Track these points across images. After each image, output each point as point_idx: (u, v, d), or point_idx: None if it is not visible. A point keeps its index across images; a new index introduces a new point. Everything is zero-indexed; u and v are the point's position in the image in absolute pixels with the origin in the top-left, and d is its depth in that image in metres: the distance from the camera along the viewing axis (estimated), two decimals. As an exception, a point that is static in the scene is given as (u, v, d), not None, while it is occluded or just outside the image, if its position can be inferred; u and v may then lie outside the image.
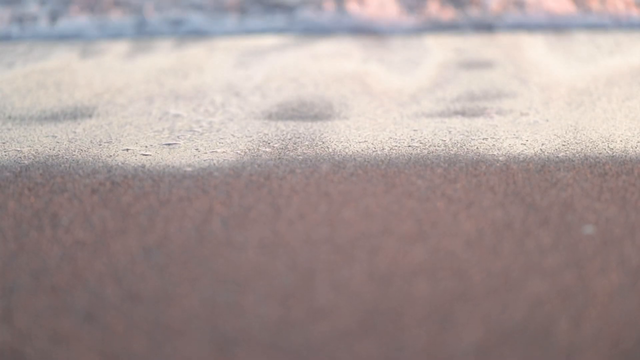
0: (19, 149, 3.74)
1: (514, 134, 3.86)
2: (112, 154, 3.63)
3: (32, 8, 5.98)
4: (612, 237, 2.66)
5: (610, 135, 3.85)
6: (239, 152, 3.64)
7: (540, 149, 3.63)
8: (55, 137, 3.90)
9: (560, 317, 2.13)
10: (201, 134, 3.93)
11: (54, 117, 4.23)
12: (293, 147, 3.70)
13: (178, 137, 3.90)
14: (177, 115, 4.28)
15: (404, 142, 3.77)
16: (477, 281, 2.35)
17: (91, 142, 3.83)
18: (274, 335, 2.05)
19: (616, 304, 2.20)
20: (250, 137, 3.86)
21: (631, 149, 3.63)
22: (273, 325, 2.10)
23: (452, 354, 1.95)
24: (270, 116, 4.17)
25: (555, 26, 6.42)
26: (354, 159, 3.52)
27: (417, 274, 2.39)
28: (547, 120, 4.08)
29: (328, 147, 3.69)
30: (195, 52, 6.05)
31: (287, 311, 2.17)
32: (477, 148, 3.66)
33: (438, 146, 3.69)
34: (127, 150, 3.70)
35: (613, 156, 3.53)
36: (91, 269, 2.45)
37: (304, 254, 2.54)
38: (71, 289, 2.32)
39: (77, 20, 6.25)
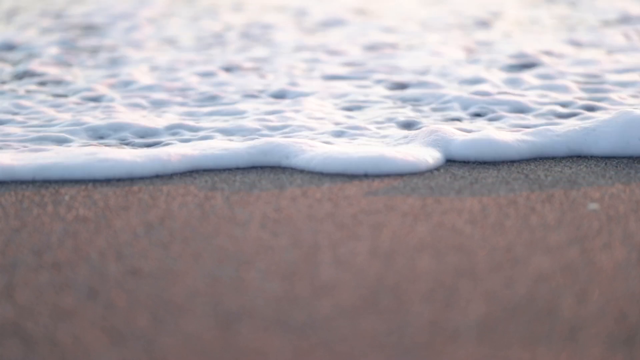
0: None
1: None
2: (114, 132, 3.62)
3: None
4: (617, 214, 2.65)
5: (614, 113, 3.83)
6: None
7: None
8: (57, 114, 3.89)
9: (564, 292, 2.12)
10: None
11: (56, 95, 4.22)
12: (296, 124, 3.69)
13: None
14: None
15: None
16: (481, 257, 2.34)
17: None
18: (277, 311, 2.04)
19: (620, 280, 2.19)
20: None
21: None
22: (276, 301, 2.09)
23: (456, 330, 1.94)
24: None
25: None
26: (357, 136, 3.50)
27: (421, 250, 2.38)
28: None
29: (331, 125, 3.68)
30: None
31: (290, 287, 2.17)
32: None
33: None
34: (129, 127, 3.68)
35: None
36: (93, 245, 2.44)
37: (307, 231, 2.53)
38: (73, 265, 2.31)
39: None
